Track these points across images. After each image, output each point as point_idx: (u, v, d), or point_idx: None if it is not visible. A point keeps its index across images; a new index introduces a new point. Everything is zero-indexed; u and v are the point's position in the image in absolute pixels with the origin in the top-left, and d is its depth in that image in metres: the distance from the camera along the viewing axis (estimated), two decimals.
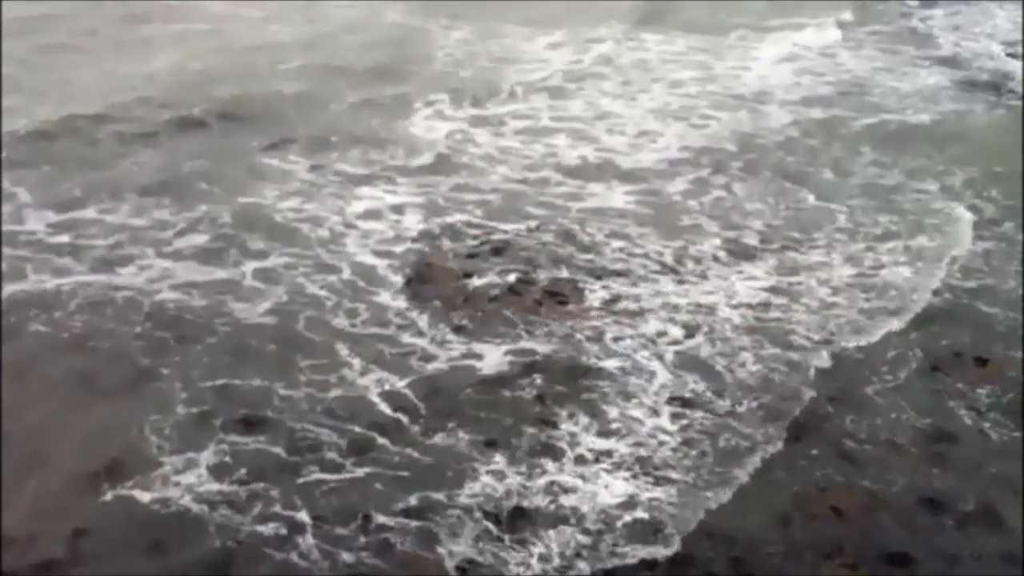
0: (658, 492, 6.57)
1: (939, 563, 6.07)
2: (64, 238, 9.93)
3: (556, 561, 5.98)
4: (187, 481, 6.57)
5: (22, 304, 8.71)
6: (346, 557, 5.98)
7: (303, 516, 6.30)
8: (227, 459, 6.80)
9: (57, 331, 8.33)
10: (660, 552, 6.07)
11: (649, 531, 6.23)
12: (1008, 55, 18.14)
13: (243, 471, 6.69)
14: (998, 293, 9.26)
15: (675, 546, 6.11)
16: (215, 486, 6.54)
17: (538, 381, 7.72)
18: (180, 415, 7.25)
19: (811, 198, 11.49)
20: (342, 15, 19.18)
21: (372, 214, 10.68)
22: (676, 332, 8.51)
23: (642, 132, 13.61)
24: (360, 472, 6.70)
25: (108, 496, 6.44)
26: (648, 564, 5.99)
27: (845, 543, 6.15)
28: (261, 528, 6.20)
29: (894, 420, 7.37)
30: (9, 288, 8.92)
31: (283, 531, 6.17)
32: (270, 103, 14.11)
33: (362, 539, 6.12)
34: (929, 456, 6.99)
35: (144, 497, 6.44)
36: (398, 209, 10.80)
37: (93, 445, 6.97)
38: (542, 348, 8.15)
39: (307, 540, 6.12)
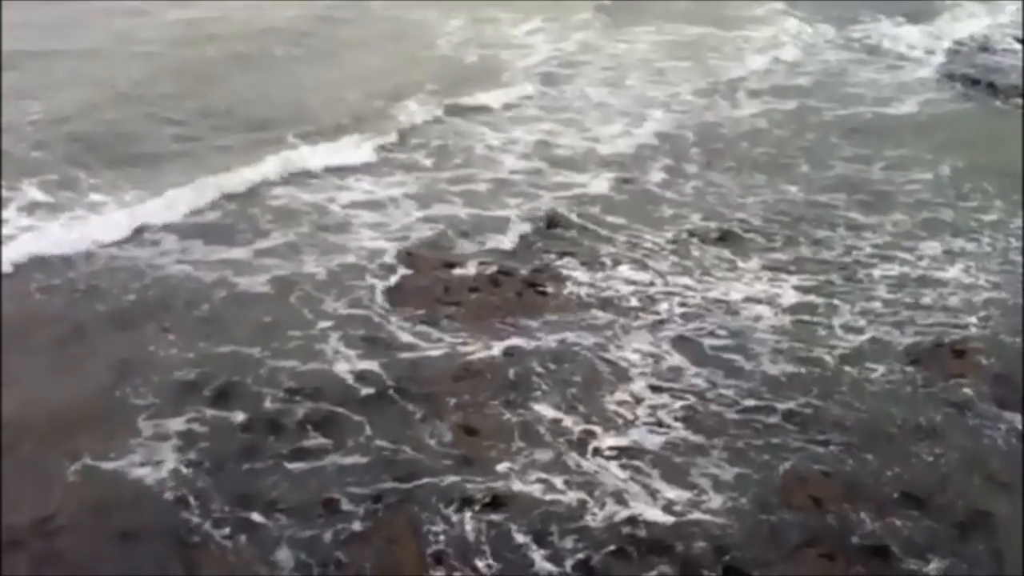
0: (643, 480, 6.52)
1: (916, 555, 6.02)
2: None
3: (534, 551, 5.91)
4: (155, 455, 6.57)
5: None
6: (317, 545, 5.89)
7: (271, 500, 6.22)
8: (198, 432, 6.80)
9: (53, 296, 8.45)
10: (639, 540, 6.02)
11: (631, 520, 6.18)
12: (983, 49, 18.34)
13: (212, 448, 6.64)
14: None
15: (652, 534, 6.06)
16: (182, 462, 6.51)
17: (520, 370, 7.66)
18: (161, 381, 7.32)
19: (794, 189, 11.56)
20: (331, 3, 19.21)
21: (357, 202, 10.69)
22: (674, 324, 8.47)
23: (628, 120, 13.66)
24: (335, 456, 6.64)
25: (78, 467, 6.43)
26: (626, 554, 5.93)
27: (823, 532, 6.12)
28: (227, 512, 6.11)
29: (874, 412, 7.33)
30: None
31: (251, 517, 6.08)
32: (262, 92, 14.01)
33: (334, 526, 6.03)
34: (910, 448, 6.95)
35: (111, 468, 6.44)
36: (384, 197, 10.82)
37: (72, 408, 7.01)
38: (522, 338, 8.10)
39: (276, 526, 6.03)
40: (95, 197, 10.44)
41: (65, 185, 10.71)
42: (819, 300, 8.95)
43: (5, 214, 9.93)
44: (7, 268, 8.87)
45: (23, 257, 9.08)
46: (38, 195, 10.41)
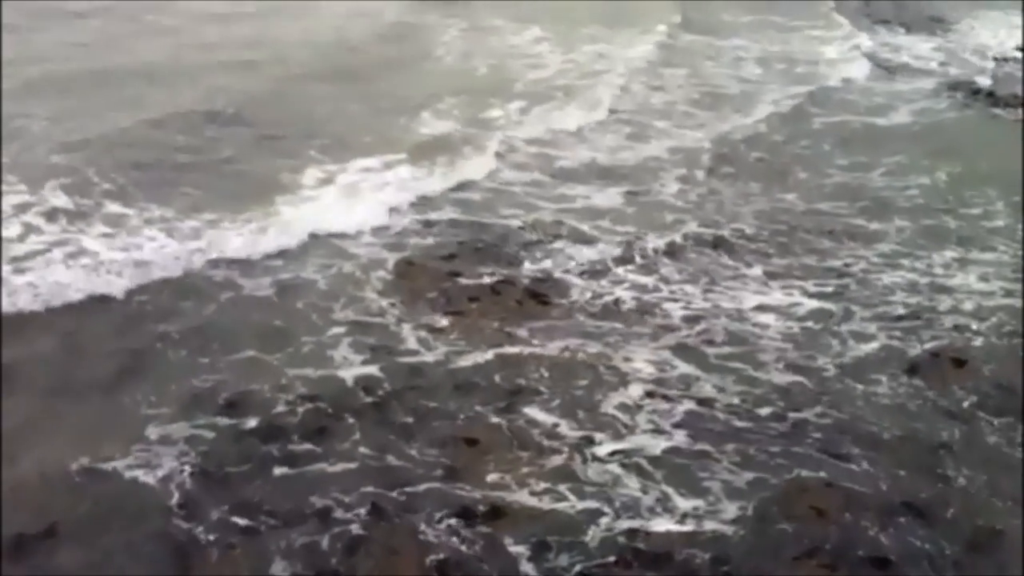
0: (644, 489, 6.48)
1: (919, 567, 5.97)
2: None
3: (535, 562, 5.86)
4: (159, 461, 6.55)
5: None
6: (315, 554, 5.85)
7: (271, 508, 6.19)
8: (203, 442, 6.77)
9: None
10: (638, 551, 5.97)
11: (630, 530, 6.13)
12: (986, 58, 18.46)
13: (216, 457, 6.62)
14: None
15: (653, 545, 6.01)
16: (184, 468, 6.49)
17: (520, 379, 7.63)
18: (173, 390, 7.32)
19: (792, 196, 11.62)
20: (339, 10, 19.26)
21: (363, 209, 10.66)
22: (676, 332, 8.45)
23: (634, 132, 13.81)
24: (334, 465, 6.60)
25: (82, 472, 6.42)
26: (626, 564, 5.89)
27: (824, 543, 6.07)
28: (226, 520, 6.07)
29: (875, 422, 7.30)
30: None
31: (250, 525, 6.05)
32: (272, 103, 14.00)
33: (334, 535, 6.00)
34: (912, 459, 6.91)
35: (115, 475, 6.43)
36: (389, 205, 10.81)
37: (80, 412, 7.06)
38: (523, 347, 8.09)
39: (275, 534, 5.99)
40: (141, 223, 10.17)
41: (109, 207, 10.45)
42: (826, 307, 8.94)
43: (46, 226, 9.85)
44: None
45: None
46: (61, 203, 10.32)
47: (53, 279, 8.76)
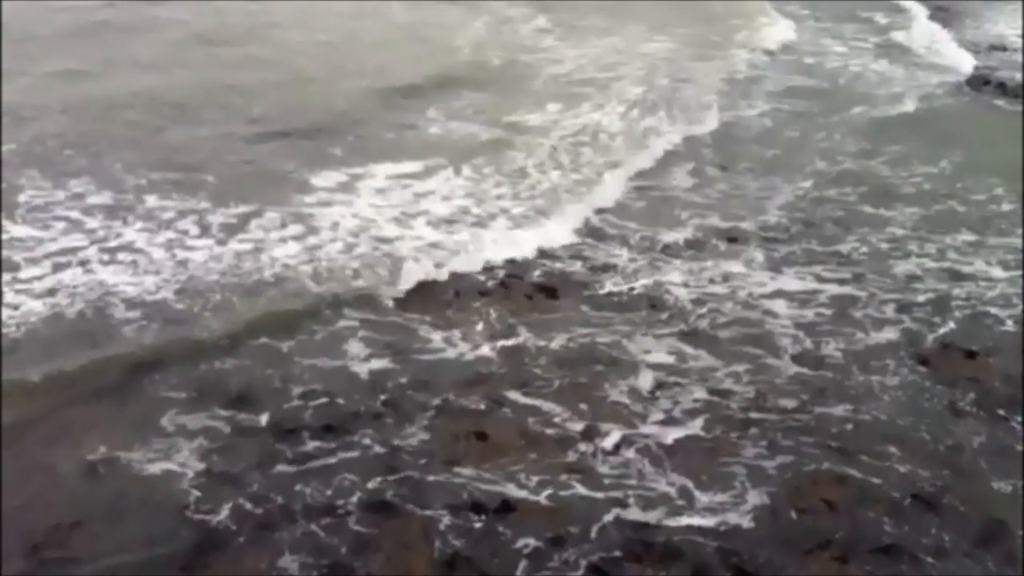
0: (655, 481, 6.50)
1: (930, 558, 5.97)
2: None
3: (545, 556, 5.88)
4: (175, 455, 6.59)
5: None
6: (327, 548, 5.88)
7: (284, 503, 6.22)
8: (216, 438, 6.81)
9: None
10: (649, 544, 5.98)
11: (642, 523, 6.15)
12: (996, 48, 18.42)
13: (227, 454, 6.64)
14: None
15: (662, 538, 6.02)
16: (200, 462, 6.53)
17: (531, 374, 7.64)
18: (190, 383, 7.34)
19: (808, 184, 11.69)
20: (350, 13, 19.22)
21: (370, 209, 10.62)
22: (688, 323, 8.47)
23: (645, 125, 13.81)
24: (346, 460, 6.63)
25: (98, 465, 6.47)
26: (637, 557, 5.90)
27: (836, 536, 6.08)
28: (240, 514, 6.11)
29: (885, 414, 7.30)
30: None
31: (263, 519, 6.08)
32: (292, 110, 13.82)
33: (346, 530, 6.02)
34: (922, 452, 6.91)
35: (131, 468, 6.47)
36: (397, 204, 10.76)
37: (95, 404, 7.09)
38: (533, 341, 8.09)
39: (288, 529, 6.02)
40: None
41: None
42: (840, 294, 8.97)
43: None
44: None
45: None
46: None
47: (88, 276, 8.78)
